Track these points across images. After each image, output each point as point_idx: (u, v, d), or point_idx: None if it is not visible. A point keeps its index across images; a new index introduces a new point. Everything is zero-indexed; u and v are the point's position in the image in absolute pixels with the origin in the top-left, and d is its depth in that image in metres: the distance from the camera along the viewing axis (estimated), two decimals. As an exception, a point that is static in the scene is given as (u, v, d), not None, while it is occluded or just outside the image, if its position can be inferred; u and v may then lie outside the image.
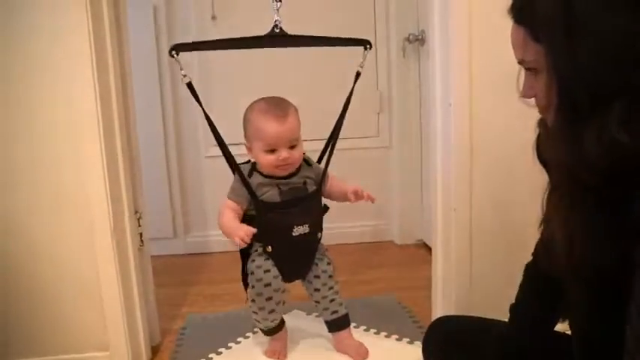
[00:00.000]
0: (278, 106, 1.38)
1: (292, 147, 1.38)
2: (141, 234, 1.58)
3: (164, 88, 2.40)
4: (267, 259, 1.41)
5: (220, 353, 1.58)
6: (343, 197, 1.48)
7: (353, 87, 1.51)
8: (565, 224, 0.72)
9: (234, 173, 1.43)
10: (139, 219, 1.57)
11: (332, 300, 1.49)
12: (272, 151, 1.36)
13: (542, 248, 0.93)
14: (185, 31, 2.38)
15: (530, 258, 1.00)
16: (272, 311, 1.43)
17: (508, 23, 0.76)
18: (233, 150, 1.44)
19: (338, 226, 2.29)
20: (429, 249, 2.22)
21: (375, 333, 1.65)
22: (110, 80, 1.41)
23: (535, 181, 0.85)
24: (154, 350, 1.64)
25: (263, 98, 1.42)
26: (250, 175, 1.41)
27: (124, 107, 1.49)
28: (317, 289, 1.49)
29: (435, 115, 1.56)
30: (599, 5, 0.66)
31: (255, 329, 1.61)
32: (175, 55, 1.36)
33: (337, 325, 1.52)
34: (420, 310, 1.76)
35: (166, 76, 2.39)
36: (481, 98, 1.47)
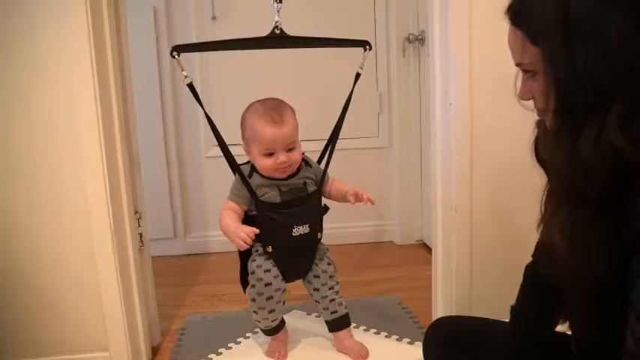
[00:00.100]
0: (275, 109, 1.38)
1: (290, 149, 1.38)
2: (141, 234, 1.58)
3: (164, 89, 2.40)
4: (268, 258, 1.42)
5: (220, 354, 1.58)
6: (343, 198, 1.48)
7: (353, 88, 1.51)
8: (563, 229, 0.72)
9: (234, 174, 1.43)
10: (138, 219, 1.57)
11: (332, 300, 1.49)
12: (270, 154, 1.37)
13: (541, 250, 0.93)
14: (185, 32, 2.38)
15: (530, 258, 1.00)
16: (272, 311, 1.43)
17: (508, 24, 0.76)
18: (233, 150, 1.44)
19: (338, 226, 2.29)
20: (429, 249, 2.22)
21: (375, 333, 1.65)
22: (110, 81, 1.41)
23: (535, 181, 0.85)
24: (154, 351, 1.64)
25: (259, 100, 1.42)
26: (250, 175, 1.41)
27: (123, 107, 1.49)
28: (317, 289, 1.49)
29: (435, 115, 1.56)
30: (597, 9, 0.65)
31: (256, 329, 1.61)
32: (176, 56, 1.36)
33: (337, 325, 1.52)
34: (421, 311, 1.76)
35: (166, 76, 2.39)
36: (481, 98, 1.47)
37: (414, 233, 2.55)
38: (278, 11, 1.44)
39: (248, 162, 1.45)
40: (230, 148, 1.43)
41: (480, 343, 1.02)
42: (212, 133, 1.42)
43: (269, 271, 1.41)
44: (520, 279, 1.01)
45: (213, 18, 2.39)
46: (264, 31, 1.44)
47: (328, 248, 1.53)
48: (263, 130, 1.36)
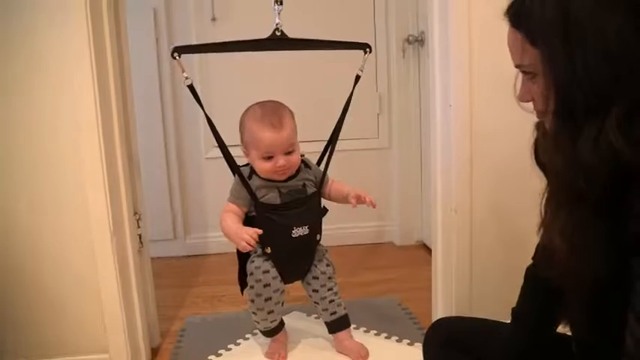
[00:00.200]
0: (274, 113, 1.38)
1: (289, 153, 1.38)
2: (140, 235, 1.58)
3: (164, 90, 2.40)
4: (267, 260, 1.42)
5: (220, 355, 1.58)
6: (344, 200, 1.48)
7: (352, 90, 1.51)
8: (562, 231, 0.72)
9: (234, 175, 1.43)
10: (138, 220, 1.56)
11: (331, 301, 1.49)
12: (269, 158, 1.37)
13: (541, 253, 0.93)
14: (185, 33, 2.38)
15: (529, 259, 1.00)
16: (271, 312, 1.43)
17: (507, 25, 0.76)
18: (233, 151, 1.44)
19: (338, 227, 2.29)
20: (428, 250, 2.22)
21: (375, 334, 1.65)
22: (110, 82, 1.41)
23: (535, 182, 0.84)
24: (154, 352, 1.64)
25: (258, 103, 1.42)
26: (250, 177, 1.41)
27: (123, 109, 1.49)
28: (316, 290, 1.49)
29: (434, 116, 1.56)
30: (596, 10, 0.65)
31: (255, 331, 1.61)
32: (177, 57, 1.36)
33: (337, 326, 1.52)
34: (421, 312, 1.76)
35: (166, 77, 2.38)
36: (481, 99, 1.47)
37: (414, 234, 2.55)
38: (279, 13, 1.44)
39: (248, 164, 1.45)
40: (230, 149, 1.43)
41: (480, 344, 1.02)
42: (212, 135, 1.42)
43: (268, 272, 1.41)
44: (520, 280, 1.01)
45: (213, 19, 2.39)
46: (264, 33, 1.44)
47: (327, 250, 1.53)
48: (262, 135, 1.36)
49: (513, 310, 1.01)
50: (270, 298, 1.41)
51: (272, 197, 1.40)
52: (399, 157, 2.51)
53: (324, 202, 1.51)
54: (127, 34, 1.53)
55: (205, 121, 1.42)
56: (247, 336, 1.67)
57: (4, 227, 1.41)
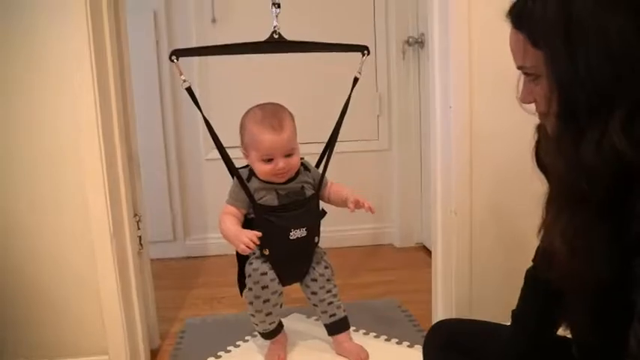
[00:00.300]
0: (274, 115, 1.38)
1: (289, 155, 1.38)
2: (140, 237, 1.58)
3: (164, 91, 2.40)
4: (265, 261, 1.42)
5: (219, 357, 1.57)
6: (342, 203, 1.48)
7: (350, 92, 1.51)
8: (564, 233, 0.72)
9: (233, 177, 1.43)
10: (138, 222, 1.56)
11: (330, 303, 1.49)
12: (269, 160, 1.37)
13: (542, 255, 0.92)
14: (185, 35, 2.38)
15: (529, 261, 0.99)
16: (269, 314, 1.43)
17: (508, 26, 0.76)
18: (233, 153, 1.44)
19: (338, 229, 2.29)
20: (428, 252, 2.22)
21: (374, 336, 1.64)
22: (110, 83, 1.41)
23: (535, 184, 0.84)
24: (153, 354, 1.63)
25: (259, 105, 1.42)
26: (249, 179, 1.42)
27: (123, 110, 1.49)
28: (314, 293, 1.49)
29: (434, 118, 1.56)
30: (598, 10, 0.65)
31: (255, 332, 1.61)
32: (175, 60, 1.37)
33: (336, 328, 1.52)
34: (420, 314, 1.76)
35: (166, 79, 2.39)
36: (481, 101, 1.47)
37: (414, 236, 2.55)
38: (276, 16, 1.44)
39: (247, 166, 1.45)
40: (229, 150, 1.43)
41: (480, 346, 1.02)
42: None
43: (266, 274, 1.41)
44: (520, 282, 1.01)
45: (213, 21, 2.39)
46: (264, 34, 1.45)
47: (325, 252, 1.53)
48: (262, 137, 1.36)
49: (513, 312, 1.01)
50: (268, 300, 1.41)
51: (270, 199, 1.40)
52: (399, 159, 2.51)
53: (322, 204, 1.51)
54: (127, 33, 1.53)
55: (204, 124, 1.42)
56: (247, 338, 1.66)
57: (4, 227, 1.41)
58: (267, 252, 1.41)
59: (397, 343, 1.60)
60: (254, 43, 1.44)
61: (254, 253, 1.42)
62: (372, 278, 2.17)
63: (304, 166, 1.48)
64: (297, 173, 1.44)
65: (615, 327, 0.68)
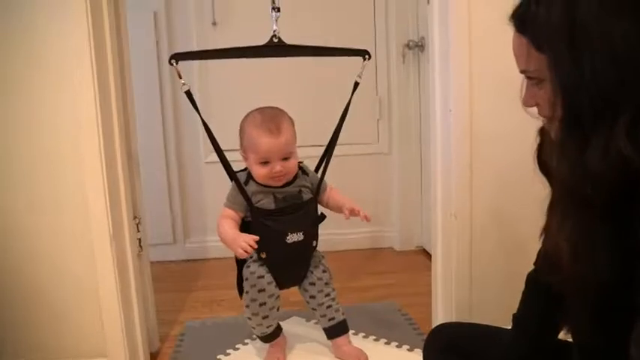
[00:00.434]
0: (272, 119, 1.38)
1: (286, 159, 1.38)
2: (140, 239, 1.58)
3: (164, 93, 2.40)
4: (262, 265, 1.42)
5: (219, 360, 1.57)
6: (339, 210, 1.49)
7: (351, 97, 1.52)
8: (568, 237, 0.71)
9: (231, 180, 1.43)
10: (137, 224, 1.56)
11: (328, 306, 1.49)
12: (266, 163, 1.37)
13: (544, 259, 0.92)
14: (185, 36, 2.38)
15: (530, 265, 0.99)
16: (266, 317, 1.43)
17: (508, 29, 0.76)
18: (232, 155, 1.44)
19: (338, 232, 2.29)
20: (428, 255, 2.21)
21: (374, 340, 1.64)
22: (110, 85, 1.41)
23: (536, 188, 0.84)
24: (153, 356, 1.63)
25: (258, 109, 1.43)
26: (247, 182, 1.42)
27: (123, 112, 1.49)
28: (313, 296, 1.49)
29: (434, 122, 1.56)
30: (602, 14, 0.65)
31: (254, 336, 1.60)
32: (175, 64, 1.37)
33: (335, 331, 1.51)
34: (420, 317, 1.76)
35: (167, 81, 2.39)
36: (481, 104, 1.47)
37: (414, 239, 2.55)
38: (276, 20, 1.44)
39: (245, 169, 1.45)
40: (229, 153, 1.43)
41: (480, 350, 1.01)
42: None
43: (262, 277, 1.41)
44: (520, 285, 1.01)
45: (214, 23, 2.39)
46: (265, 37, 1.45)
47: (324, 255, 1.53)
48: (259, 140, 1.36)
49: (514, 315, 1.01)
50: (264, 303, 1.41)
51: (267, 203, 1.40)
52: (399, 162, 2.51)
53: (321, 209, 1.51)
54: (127, 30, 1.53)
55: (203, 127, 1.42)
56: (246, 341, 1.66)
57: (3, 228, 1.41)
58: (264, 255, 1.41)
59: (397, 346, 1.60)
60: (254, 47, 1.45)
61: (252, 257, 1.42)
62: (372, 281, 2.17)
63: (302, 169, 1.48)
64: (295, 177, 1.45)
65: (617, 331, 0.68)
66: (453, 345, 1.05)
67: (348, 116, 1.52)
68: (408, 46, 2.38)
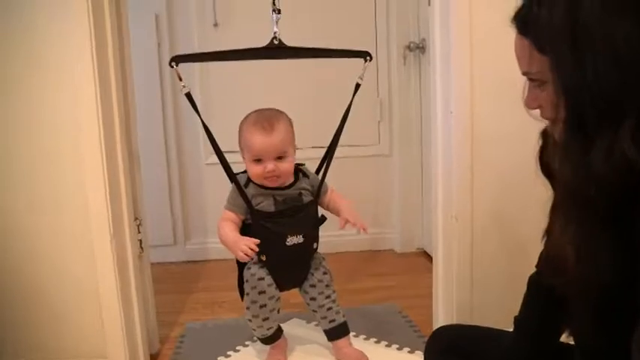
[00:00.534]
0: (268, 119, 1.39)
1: (280, 159, 1.38)
2: (140, 241, 1.58)
3: (165, 95, 2.41)
4: (262, 267, 1.42)
5: (219, 361, 1.57)
6: (337, 214, 1.48)
7: (352, 98, 1.51)
8: (572, 239, 0.71)
9: (231, 182, 1.43)
10: (138, 225, 1.56)
11: (329, 308, 1.49)
12: (259, 161, 1.38)
13: (546, 261, 0.92)
14: (187, 38, 2.38)
15: (532, 267, 0.99)
16: (266, 319, 1.43)
17: (509, 31, 0.76)
18: (232, 157, 1.44)
19: (338, 234, 2.26)
20: (429, 257, 2.21)
21: (375, 342, 1.64)
22: (111, 86, 1.41)
23: (537, 190, 0.84)
24: (152, 358, 1.63)
25: (257, 110, 1.43)
26: (247, 185, 1.42)
27: (124, 113, 1.49)
28: (313, 298, 1.49)
29: (435, 123, 1.56)
30: (604, 16, 0.65)
31: (254, 338, 1.60)
32: (175, 66, 1.37)
33: (336, 333, 1.51)
34: (421, 319, 1.75)
35: (167, 82, 2.39)
36: (482, 106, 1.47)
37: (415, 241, 2.54)
38: (277, 22, 1.44)
39: (245, 171, 1.45)
40: (230, 155, 1.44)
41: (481, 352, 1.01)
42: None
43: (263, 279, 1.41)
44: (522, 287, 1.00)
45: (215, 25, 2.40)
46: (266, 38, 1.45)
47: (324, 257, 1.52)
48: (252, 138, 1.37)
49: (516, 318, 1.01)
50: (265, 305, 1.41)
51: (267, 205, 1.40)
52: (400, 164, 2.51)
53: (322, 211, 1.51)
54: (129, 37, 1.53)
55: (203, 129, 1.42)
56: (247, 343, 1.66)
57: (3, 228, 1.41)
58: (264, 258, 1.41)
59: (398, 348, 1.60)
60: (254, 49, 1.45)
61: (252, 259, 1.42)
62: (372, 283, 2.17)
63: (302, 172, 1.48)
64: (296, 179, 1.45)
65: (619, 333, 0.67)
66: (453, 347, 1.05)
67: (348, 118, 1.52)
68: (409, 47, 2.38)
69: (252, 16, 2.27)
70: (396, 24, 2.42)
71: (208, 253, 2.50)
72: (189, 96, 1.40)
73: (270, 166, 1.37)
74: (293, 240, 1.41)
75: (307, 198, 1.45)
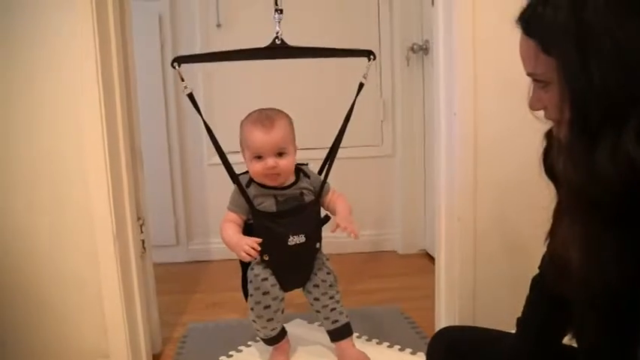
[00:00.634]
0: (268, 117, 1.39)
1: (280, 155, 1.38)
2: (143, 241, 1.58)
3: (168, 95, 2.41)
4: (266, 267, 1.42)
5: (221, 362, 1.57)
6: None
7: (355, 98, 1.51)
8: (576, 241, 0.71)
9: (233, 183, 1.44)
10: (141, 225, 1.56)
11: (332, 309, 1.49)
12: (259, 157, 1.38)
13: (549, 263, 0.92)
14: (190, 39, 2.39)
15: (535, 269, 0.99)
16: (270, 319, 1.43)
17: (513, 32, 0.76)
18: (235, 158, 1.45)
19: (340, 235, 2.27)
20: (431, 259, 2.21)
21: (377, 343, 1.63)
22: (114, 87, 1.42)
23: (540, 192, 0.84)
24: (155, 358, 1.63)
25: (258, 109, 1.43)
26: (249, 185, 1.42)
27: (127, 114, 1.49)
28: (317, 299, 1.49)
29: (439, 124, 1.56)
30: (609, 17, 0.65)
31: (257, 338, 1.60)
32: (177, 67, 1.38)
33: (339, 334, 1.51)
34: (423, 321, 1.75)
35: (170, 83, 2.39)
36: (485, 108, 1.47)
37: (417, 242, 2.54)
38: (279, 22, 1.44)
39: (247, 172, 1.45)
40: (232, 155, 1.44)
41: (483, 354, 1.01)
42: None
43: (266, 279, 1.41)
44: (524, 289, 1.00)
45: (218, 25, 2.40)
46: (269, 39, 1.45)
47: (328, 257, 1.52)
48: (252, 135, 1.38)
49: (518, 319, 1.00)
50: (269, 306, 1.41)
51: (268, 205, 1.40)
52: (403, 165, 2.51)
53: (324, 210, 1.51)
54: (133, 38, 1.53)
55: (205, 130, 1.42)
56: (249, 343, 1.66)
57: (5, 227, 1.41)
58: (266, 258, 1.41)
59: (400, 350, 1.59)
60: (256, 49, 1.45)
61: (255, 259, 1.42)
62: (374, 285, 2.17)
63: (303, 172, 1.48)
64: (297, 179, 1.45)
65: (623, 334, 0.67)
66: (455, 348, 1.05)
67: (351, 119, 1.52)
68: (412, 49, 2.38)
69: (256, 17, 2.26)
70: (399, 25, 2.42)
71: (211, 254, 2.50)
72: (191, 97, 1.41)
73: (270, 161, 1.37)
74: (295, 240, 1.41)
75: (309, 198, 1.45)
